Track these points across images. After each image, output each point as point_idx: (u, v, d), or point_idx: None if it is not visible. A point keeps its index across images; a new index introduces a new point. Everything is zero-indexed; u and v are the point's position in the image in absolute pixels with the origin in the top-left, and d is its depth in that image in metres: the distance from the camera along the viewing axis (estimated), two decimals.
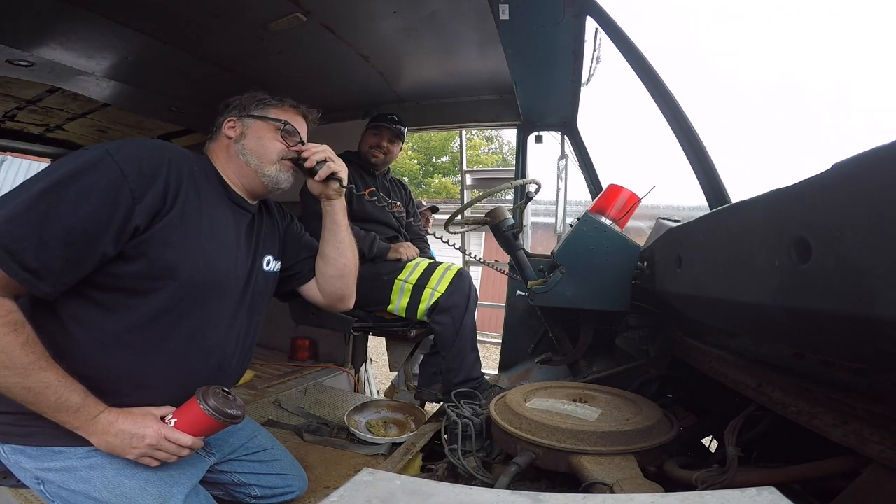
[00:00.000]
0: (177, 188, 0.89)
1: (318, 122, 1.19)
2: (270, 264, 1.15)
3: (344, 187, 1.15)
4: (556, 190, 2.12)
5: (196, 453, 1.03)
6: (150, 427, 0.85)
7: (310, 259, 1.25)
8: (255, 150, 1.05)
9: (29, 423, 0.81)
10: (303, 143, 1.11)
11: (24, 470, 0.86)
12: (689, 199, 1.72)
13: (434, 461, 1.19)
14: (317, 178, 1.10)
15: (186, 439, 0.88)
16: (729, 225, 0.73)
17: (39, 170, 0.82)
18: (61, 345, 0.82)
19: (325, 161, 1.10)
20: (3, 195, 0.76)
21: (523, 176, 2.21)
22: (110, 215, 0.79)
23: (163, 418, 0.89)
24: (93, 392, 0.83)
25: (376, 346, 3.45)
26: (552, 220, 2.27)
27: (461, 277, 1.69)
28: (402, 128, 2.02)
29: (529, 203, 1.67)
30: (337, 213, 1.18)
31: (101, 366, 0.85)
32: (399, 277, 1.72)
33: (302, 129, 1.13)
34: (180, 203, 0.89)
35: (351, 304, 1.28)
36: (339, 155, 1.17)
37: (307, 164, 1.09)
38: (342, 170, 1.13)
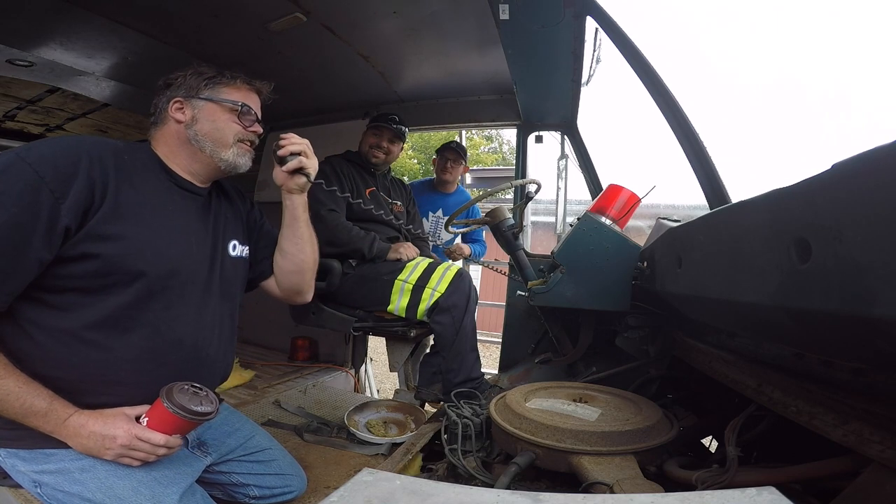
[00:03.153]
0: (104, 182, 0.85)
1: (271, 96, 1.14)
2: (237, 249, 1.12)
3: (310, 183, 1.13)
4: (556, 190, 2.12)
5: (191, 453, 1.02)
6: (120, 427, 0.84)
7: (268, 249, 1.22)
8: (210, 134, 1.00)
9: (18, 427, 0.80)
10: (259, 122, 1.07)
11: (21, 473, 0.86)
12: (689, 199, 1.72)
13: (434, 461, 1.19)
14: (284, 168, 1.08)
15: (158, 438, 0.86)
16: (729, 225, 0.73)
17: None
18: (24, 349, 0.81)
19: (298, 154, 1.08)
20: None
21: (523, 176, 2.21)
22: (34, 220, 0.76)
23: (138, 418, 0.88)
24: (67, 393, 0.82)
25: (376, 346, 3.45)
26: (552, 220, 2.27)
27: (461, 277, 1.69)
28: (403, 128, 2.01)
29: (529, 203, 1.67)
30: (297, 207, 1.15)
31: (68, 366, 0.84)
32: (399, 277, 1.72)
33: (256, 106, 1.07)
34: (111, 196, 0.85)
35: (308, 297, 1.27)
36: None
37: (280, 153, 1.07)
38: (312, 167, 1.11)
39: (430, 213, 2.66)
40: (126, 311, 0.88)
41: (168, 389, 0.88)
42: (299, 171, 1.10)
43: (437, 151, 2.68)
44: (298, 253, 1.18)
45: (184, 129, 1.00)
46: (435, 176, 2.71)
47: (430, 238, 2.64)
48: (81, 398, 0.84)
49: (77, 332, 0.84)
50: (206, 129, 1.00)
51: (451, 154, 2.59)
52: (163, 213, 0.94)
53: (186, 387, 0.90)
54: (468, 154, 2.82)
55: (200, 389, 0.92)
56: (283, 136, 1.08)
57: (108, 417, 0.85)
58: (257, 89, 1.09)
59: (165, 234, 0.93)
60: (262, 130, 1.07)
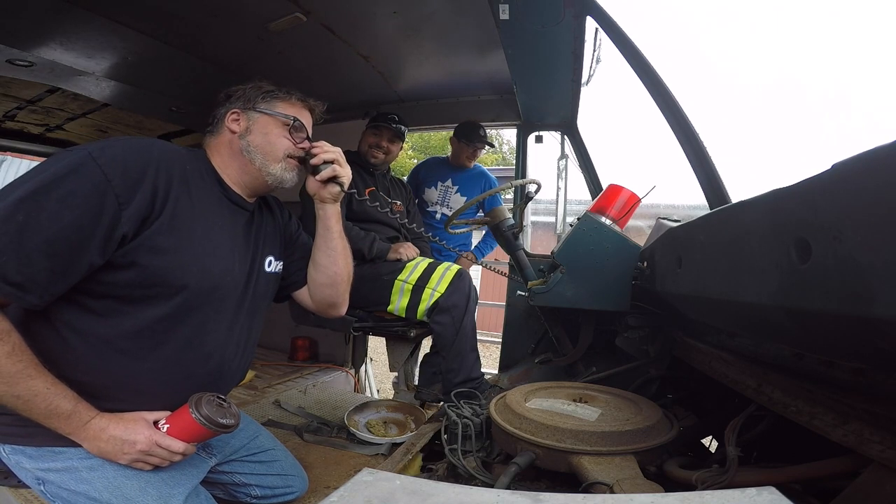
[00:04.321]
0: (166, 191, 0.85)
1: (323, 116, 1.14)
2: (272, 265, 1.12)
3: (344, 192, 1.11)
4: (556, 190, 2.12)
5: (197, 454, 1.02)
6: (142, 433, 0.85)
7: (303, 260, 1.21)
8: (261, 146, 1.01)
9: (29, 424, 0.81)
10: (309, 139, 1.08)
11: (25, 470, 0.86)
12: (689, 199, 1.72)
13: (434, 461, 1.19)
14: (318, 177, 1.07)
15: (178, 445, 0.87)
16: (729, 225, 0.73)
17: None
18: (55, 350, 0.81)
19: (332, 163, 1.07)
20: None
21: (523, 176, 2.21)
22: (94, 223, 0.75)
23: (156, 423, 0.88)
24: (89, 396, 0.82)
25: (376, 346, 3.45)
26: (552, 220, 2.27)
27: (461, 277, 1.69)
28: (402, 127, 2.01)
29: (529, 203, 1.67)
30: (330, 217, 1.13)
31: (97, 371, 0.84)
32: (399, 278, 1.72)
33: (308, 123, 1.09)
34: (170, 207, 0.85)
35: (342, 311, 1.25)
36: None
37: (313, 161, 1.06)
38: (346, 176, 1.10)
39: (440, 183, 2.59)
40: (163, 323, 0.88)
41: (197, 400, 0.88)
42: (333, 179, 1.08)
43: (468, 140, 2.47)
44: (331, 265, 1.16)
45: (237, 138, 1.01)
46: (455, 158, 2.58)
47: (440, 206, 2.59)
48: (100, 403, 0.84)
49: (112, 340, 0.84)
50: (258, 140, 1.01)
51: (482, 146, 2.47)
52: (212, 229, 0.94)
53: (213, 398, 0.91)
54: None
55: (224, 401, 0.93)
56: (314, 144, 1.07)
57: (128, 422, 0.85)
58: (310, 107, 1.10)
59: (211, 251, 0.93)
60: (315, 146, 1.07)
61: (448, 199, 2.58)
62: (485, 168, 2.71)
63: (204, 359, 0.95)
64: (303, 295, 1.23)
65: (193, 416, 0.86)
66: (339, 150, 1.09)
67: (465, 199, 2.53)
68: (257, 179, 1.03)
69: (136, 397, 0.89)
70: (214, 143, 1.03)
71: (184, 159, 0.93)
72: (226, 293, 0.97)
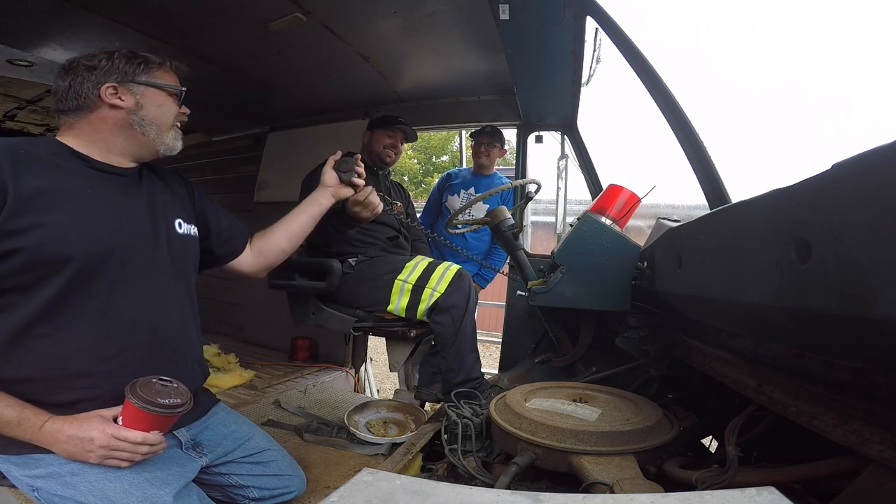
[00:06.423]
0: (2, 180, 0.82)
1: (187, 76, 1.13)
2: (183, 227, 1.09)
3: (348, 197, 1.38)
4: (556, 190, 2.12)
5: (185, 454, 1.02)
6: (95, 429, 0.83)
7: (230, 230, 1.25)
8: (156, 118, 1.01)
9: None
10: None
11: (16, 478, 0.86)
12: (689, 199, 1.73)
13: (434, 461, 1.19)
14: (353, 197, 1.38)
15: (136, 436, 0.85)
16: (729, 225, 0.73)
17: None
18: None
19: (370, 190, 1.41)
20: None
21: (523, 176, 2.21)
22: None
23: (115, 419, 0.87)
24: (39, 393, 0.83)
25: (376, 345, 3.45)
26: (552, 220, 2.27)
27: (461, 277, 1.69)
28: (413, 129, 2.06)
29: (529, 203, 1.67)
30: (325, 210, 1.35)
31: (28, 364, 0.84)
32: (398, 277, 1.72)
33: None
34: (11, 191, 0.82)
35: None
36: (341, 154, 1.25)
37: (358, 191, 1.37)
38: (368, 199, 1.42)
39: (463, 191, 2.67)
40: (65, 298, 0.86)
41: (132, 385, 0.86)
42: (353, 186, 1.33)
43: (471, 136, 2.65)
44: (301, 240, 1.36)
45: (125, 115, 0.98)
46: (473, 162, 2.69)
47: (461, 214, 2.62)
48: (54, 397, 0.84)
49: (24, 329, 0.84)
50: (153, 113, 1.01)
51: (485, 138, 2.56)
52: (80, 197, 0.91)
53: (154, 380, 0.89)
54: (468, 154, 2.75)
55: (170, 382, 0.90)
56: (365, 187, 1.39)
57: (82, 420, 0.85)
58: (176, 67, 1.10)
59: (86, 216, 0.90)
60: (362, 188, 1.37)
61: (469, 207, 2.62)
62: (503, 176, 2.76)
63: (129, 328, 0.93)
64: (239, 264, 1.29)
65: (132, 401, 0.84)
66: (371, 188, 1.41)
67: (487, 206, 2.54)
68: (148, 148, 1.02)
69: (80, 382, 0.87)
70: (83, 122, 0.97)
71: (14, 146, 0.89)
72: (124, 255, 0.94)
